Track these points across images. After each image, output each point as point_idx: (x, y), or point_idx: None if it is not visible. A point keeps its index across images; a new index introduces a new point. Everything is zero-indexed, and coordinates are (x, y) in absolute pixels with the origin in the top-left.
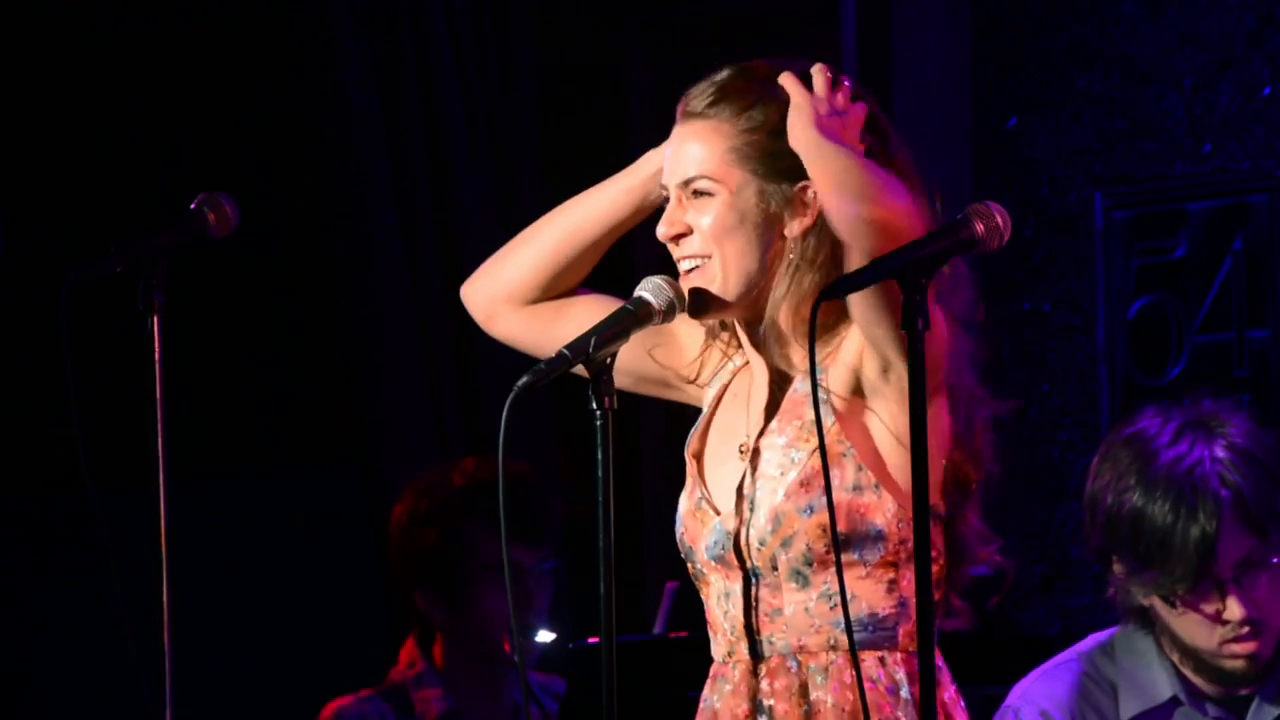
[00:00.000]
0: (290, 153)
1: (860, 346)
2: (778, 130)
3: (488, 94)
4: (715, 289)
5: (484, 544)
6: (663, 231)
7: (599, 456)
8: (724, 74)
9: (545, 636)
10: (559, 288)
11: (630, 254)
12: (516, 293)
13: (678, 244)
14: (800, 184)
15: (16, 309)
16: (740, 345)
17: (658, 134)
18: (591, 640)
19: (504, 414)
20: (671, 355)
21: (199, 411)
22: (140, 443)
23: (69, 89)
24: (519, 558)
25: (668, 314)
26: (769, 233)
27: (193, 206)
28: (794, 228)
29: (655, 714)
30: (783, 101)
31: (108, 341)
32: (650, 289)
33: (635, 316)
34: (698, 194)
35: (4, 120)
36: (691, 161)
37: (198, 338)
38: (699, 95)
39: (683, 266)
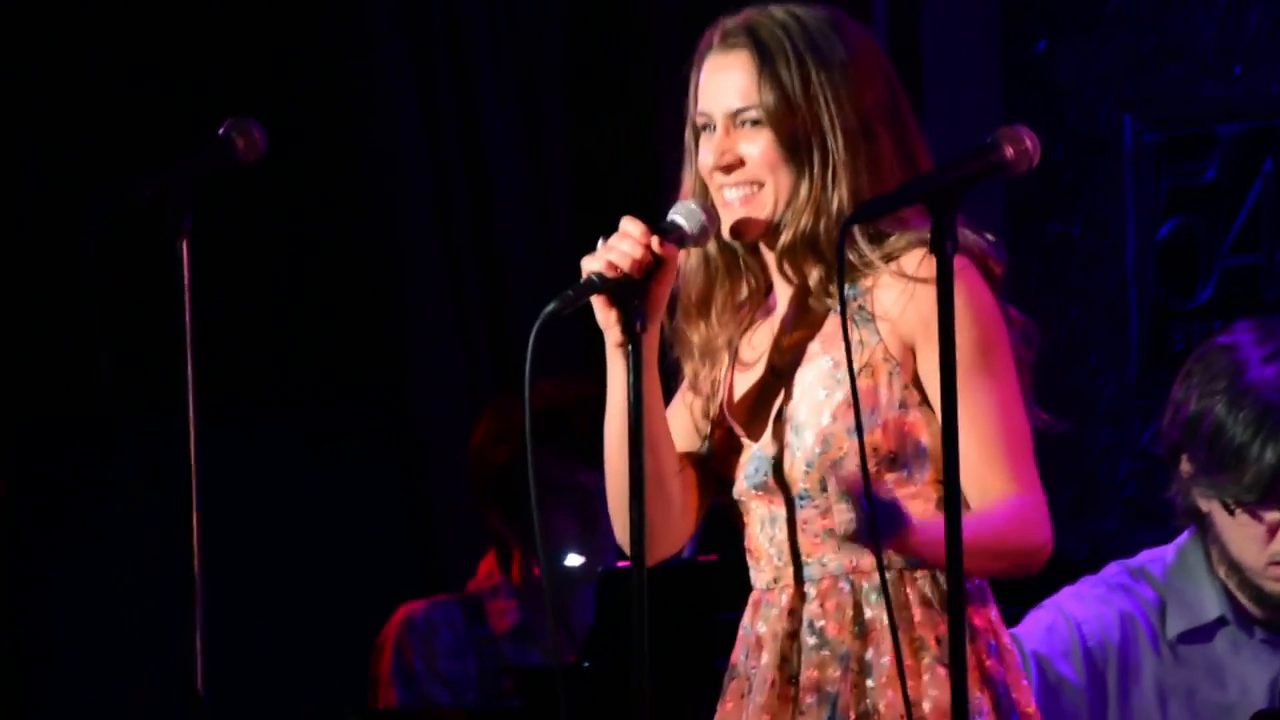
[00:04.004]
0: (316, 82)
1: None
2: (822, 60)
3: (515, 20)
4: (764, 216)
5: (551, 466)
6: (712, 161)
7: (629, 381)
8: (762, 5)
9: (574, 560)
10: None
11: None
12: (669, 529)
13: (728, 173)
14: (848, 112)
15: (46, 236)
16: (749, 286)
17: (682, 58)
18: (620, 564)
19: (530, 342)
20: (701, 402)
21: (227, 340)
22: (169, 370)
23: (98, 17)
24: (586, 480)
25: (699, 238)
26: (820, 159)
27: (220, 132)
28: (841, 153)
29: (684, 637)
30: (821, 33)
31: (136, 268)
32: (683, 213)
33: (667, 240)
34: (746, 123)
35: (33, 49)
36: (737, 90)
37: (225, 266)
38: (739, 23)
39: (730, 194)
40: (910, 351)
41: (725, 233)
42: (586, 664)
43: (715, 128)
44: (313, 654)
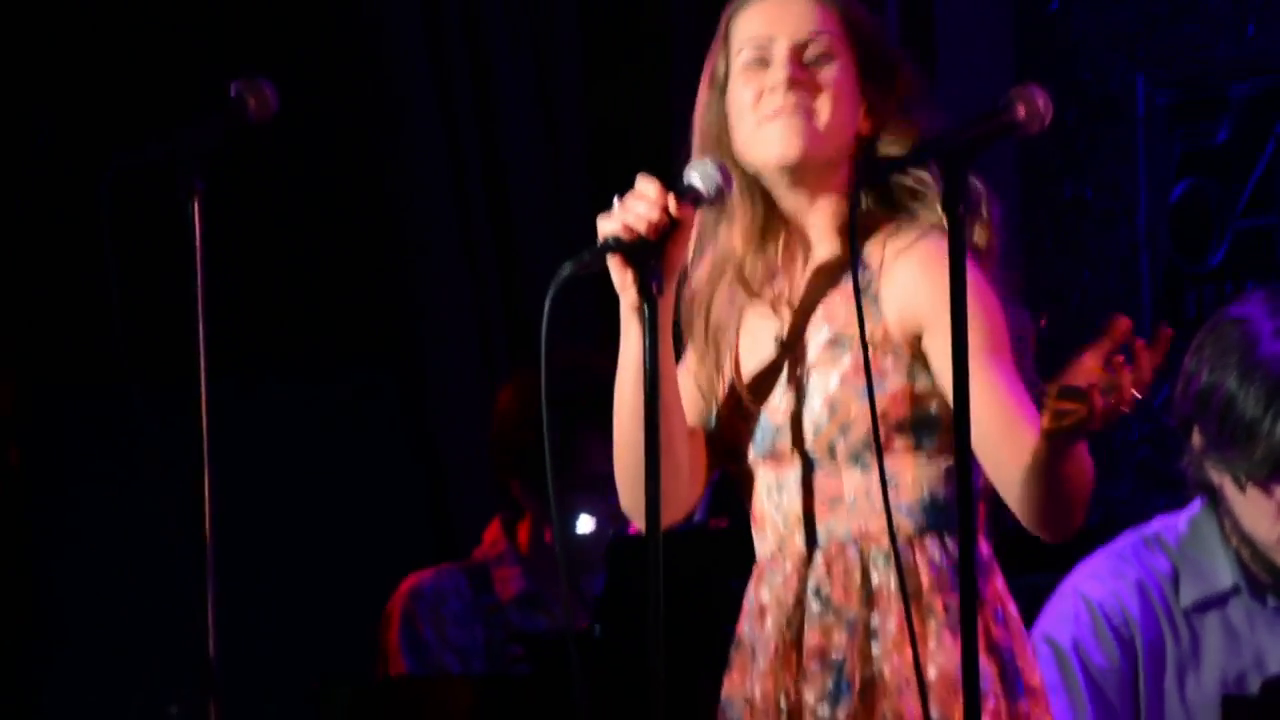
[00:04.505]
0: (327, 45)
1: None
2: (880, 33)
3: None
4: (805, 142)
5: (594, 455)
6: (784, 74)
7: (645, 346)
8: None
9: (586, 525)
10: (678, 441)
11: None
12: (675, 496)
13: (791, 89)
14: (893, 72)
15: (59, 200)
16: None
17: (697, 16)
18: (631, 530)
19: (546, 305)
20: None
21: (240, 304)
22: (182, 335)
23: None
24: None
25: (715, 199)
26: (859, 109)
27: (232, 93)
28: (879, 110)
29: (696, 604)
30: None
31: (150, 231)
32: (698, 173)
33: (683, 201)
34: (813, 55)
35: (48, 11)
36: (809, 18)
37: (238, 230)
38: None
39: (779, 104)
40: (916, 328)
41: (765, 155)
42: (598, 630)
43: (771, 60)
44: (325, 622)
